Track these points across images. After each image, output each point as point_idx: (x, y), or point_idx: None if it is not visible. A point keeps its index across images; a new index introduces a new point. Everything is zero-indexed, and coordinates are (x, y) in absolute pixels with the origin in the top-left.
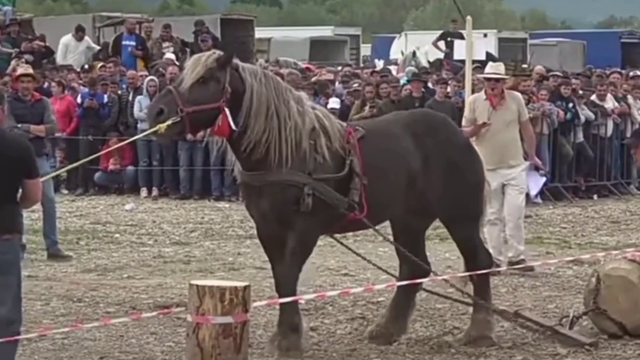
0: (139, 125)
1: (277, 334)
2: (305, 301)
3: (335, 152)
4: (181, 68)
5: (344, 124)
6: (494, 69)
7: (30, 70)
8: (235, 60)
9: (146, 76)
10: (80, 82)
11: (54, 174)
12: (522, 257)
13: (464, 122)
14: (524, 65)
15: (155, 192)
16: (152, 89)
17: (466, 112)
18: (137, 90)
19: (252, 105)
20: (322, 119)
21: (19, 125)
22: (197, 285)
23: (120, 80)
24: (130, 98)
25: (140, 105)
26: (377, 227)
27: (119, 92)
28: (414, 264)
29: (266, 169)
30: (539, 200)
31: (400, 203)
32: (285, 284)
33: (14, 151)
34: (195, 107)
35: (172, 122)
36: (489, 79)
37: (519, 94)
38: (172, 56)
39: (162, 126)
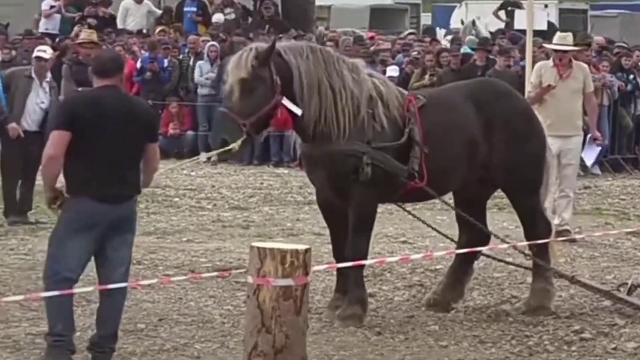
0: (199, 90)
1: (335, 299)
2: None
3: (394, 121)
4: (239, 34)
5: (405, 92)
6: (563, 40)
7: (93, 37)
8: (277, 45)
9: (207, 41)
10: (140, 46)
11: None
12: (567, 226)
13: (529, 88)
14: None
15: (214, 157)
16: (213, 54)
17: (532, 78)
18: (198, 56)
19: (303, 85)
20: (380, 87)
21: (79, 89)
22: (258, 248)
23: (183, 45)
24: (191, 63)
25: (201, 71)
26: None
27: (180, 56)
28: (472, 232)
29: (325, 140)
30: (598, 171)
31: (462, 172)
32: (355, 254)
33: (143, 116)
34: (252, 119)
35: (241, 142)
36: (557, 50)
37: (585, 65)
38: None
39: (235, 146)
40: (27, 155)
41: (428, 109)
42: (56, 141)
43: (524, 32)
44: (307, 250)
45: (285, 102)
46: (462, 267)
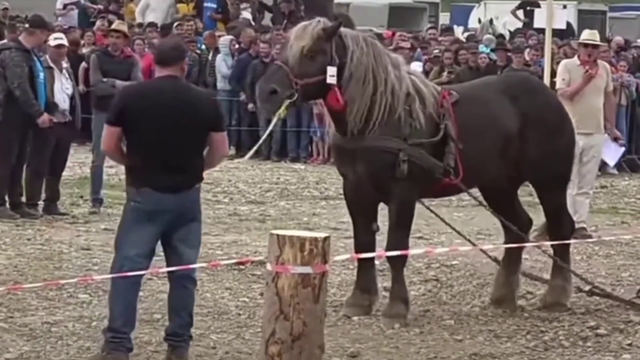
0: (219, 85)
1: (354, 296)
2: (379, 261)
3: (430, 117)
4: (256, 30)
5: (439, 88)
6: (592, 36)
7: (123, 27)
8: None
9: (222, 36)
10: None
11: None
12: (583, 224)
13: (560, 84)
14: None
15: (232, 151)
16: (234, 48)
17: (563, 75)
18: (217, 51)
19: (354, 72)
20: (418, 84)
21: (105, 80)
22: (277, 235)
23: (198, 36)
24: (210, 57)
25: (226, 64)
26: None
27: (198, 51)
28: (515, 223)
29: (361, 133)
30: (614, 171)
31: (494, 167)
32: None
33: (204, 106)
34: (307, 80)
35: (288, 103)
36: (586, 45)
37: (607, 64)
38: (249, 16)
39: (283, 110)
40: (57, 145)
41: (461, 104)
42: (107, 137)
43: (543, 31)
44: (326, 239)
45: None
46: (513, 258)
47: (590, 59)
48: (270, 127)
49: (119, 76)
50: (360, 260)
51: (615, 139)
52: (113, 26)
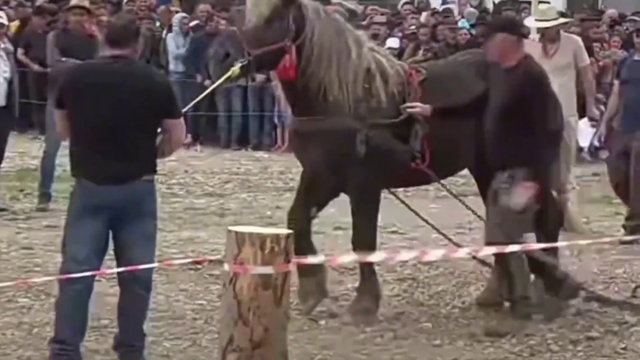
0: (171, 67)
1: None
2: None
3: (393, 96)
4: (214, 5)
5: (406, 65)
6: (543, 15)
7: (85, 3)
8: None
9: (177, 12)
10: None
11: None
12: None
13: None
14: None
15: (188, 139)
16: (186, 27)
17: None
18: (170, 28)
19: (313, 45)
20: (381, 61)
21: (63, 59)
22: (235, 232)
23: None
24: (163, 35)
25: (176, 44)
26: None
27: (152, 27)
28: None
29: (319, 114)
30: (587, 156)
31: (470, 153)
32: (362, 245)
33: (154, 89)
34: (262, 49)
35: (240, 65)
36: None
37: (577, 38)
38: None
39: (235, 70)
40: None
41: (430, 82)
42: (57, 120)
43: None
44: (288, 236)
45: (293, 51)
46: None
47: (546, 38)
48: (218, 83)
49: (79, 57)
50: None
51: (590, 119)
52: (73, 2)
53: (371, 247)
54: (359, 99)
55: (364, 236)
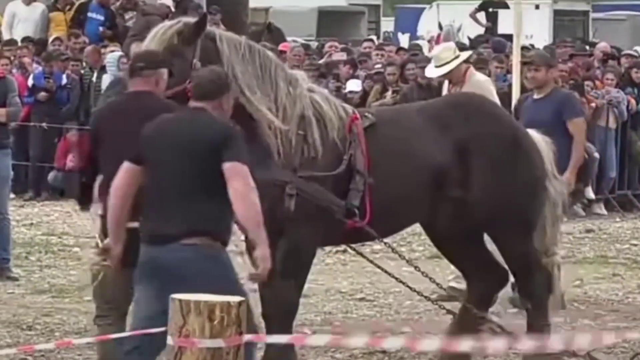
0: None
1: None
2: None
3: (334, 145)
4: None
5: (350, 109)
6: (437, 60)
7: None
8: (213, 29)
9: (112, 51)
10: (34, 58)
11: None
12: None
13: None
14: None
15: None
16: (124, 66)
17: None
18: (103, 69)
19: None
20: (320, 104)
21: None
22: (179, 300)
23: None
24: (94, 79)
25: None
26: (387, 239)
27: (82, 71)
28: (487, 274)
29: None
30: (603, 211)
31: (421, 208)
32: (279, 308)
33: (208, 133)
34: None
35: None
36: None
37: (485, 78)
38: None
39: None
40: None
41: (377, 129)
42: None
43: (509, 37)
44: (241, 303)
45: None
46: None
47: (451, 81)
48: None
49: None
50: None
51: None
52: None
53: (291, 313)
54: (291, 147)
55: (285, 300)
